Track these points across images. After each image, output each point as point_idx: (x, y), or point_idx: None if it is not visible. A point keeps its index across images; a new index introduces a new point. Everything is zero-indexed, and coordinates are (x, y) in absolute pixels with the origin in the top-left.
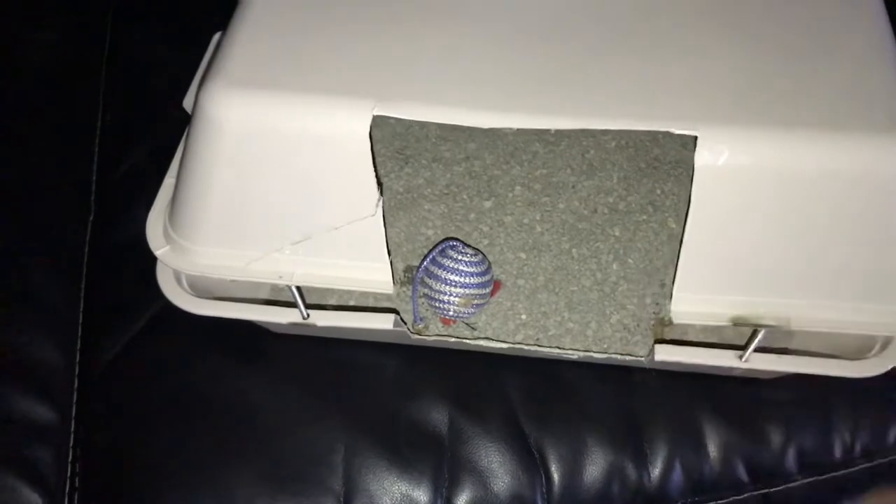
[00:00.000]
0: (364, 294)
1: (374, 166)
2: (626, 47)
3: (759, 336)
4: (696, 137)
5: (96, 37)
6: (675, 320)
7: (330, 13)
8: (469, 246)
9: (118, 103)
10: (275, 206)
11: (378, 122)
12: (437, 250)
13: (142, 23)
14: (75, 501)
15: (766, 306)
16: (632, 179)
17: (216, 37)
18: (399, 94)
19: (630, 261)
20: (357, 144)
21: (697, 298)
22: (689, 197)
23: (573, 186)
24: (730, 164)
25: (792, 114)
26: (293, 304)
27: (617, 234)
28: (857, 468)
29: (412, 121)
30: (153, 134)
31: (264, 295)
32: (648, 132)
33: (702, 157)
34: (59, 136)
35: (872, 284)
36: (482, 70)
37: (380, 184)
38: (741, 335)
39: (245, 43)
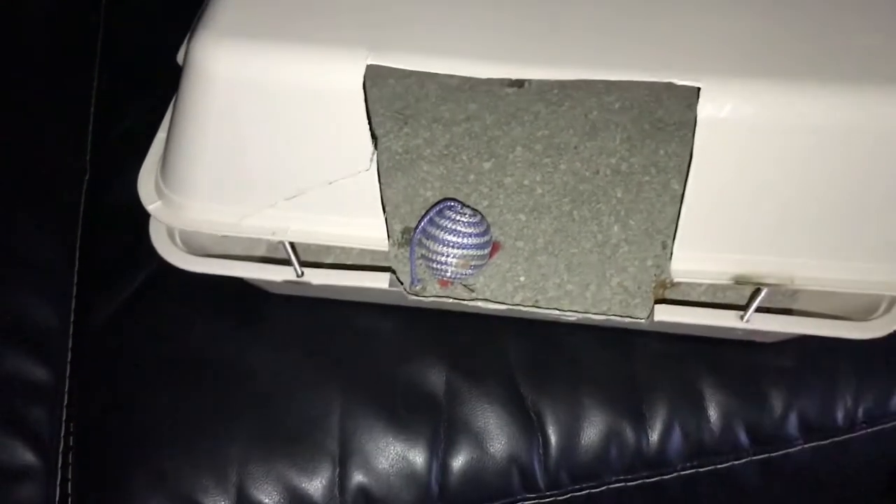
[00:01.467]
0: (361, 254)
1: (368, 118)
2: None
3: (762, 295)
4: (698, 89)
5: None
6: (676, 278)
7: None
8: (467, 206)
9: (115, 62)
10: (267, 159)
11: (377, 82)
12: (434, 211)
13: None
14: (69, 460)
15: (769, 265)
16: (635, 140)
17: None
18: (394, 44)
19: (632, 223)
20: (350, 95)
21: (699, 256)
22: (691, 151)
23: (575, 147)
24: (733, 117)
25: (799, 66)
26: (288, 263)
27: (619, 195)
28: (859, 433)
29: (412, 80)
30: (151, 93)
31: (260, 253)
32: (652, 91)
33: (704, 110)
34: (54, 96)
35: (879, 242)
36: (481, 20)
37: (374, 137)
38: (744, 298)
39: None
